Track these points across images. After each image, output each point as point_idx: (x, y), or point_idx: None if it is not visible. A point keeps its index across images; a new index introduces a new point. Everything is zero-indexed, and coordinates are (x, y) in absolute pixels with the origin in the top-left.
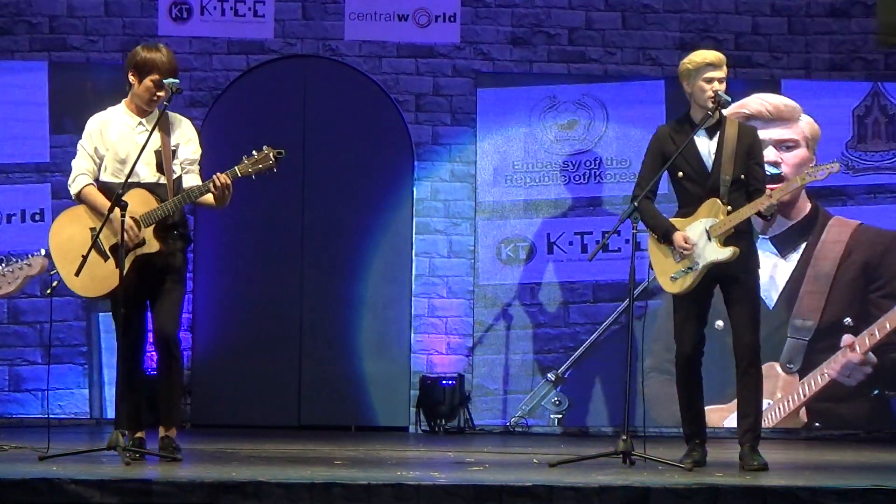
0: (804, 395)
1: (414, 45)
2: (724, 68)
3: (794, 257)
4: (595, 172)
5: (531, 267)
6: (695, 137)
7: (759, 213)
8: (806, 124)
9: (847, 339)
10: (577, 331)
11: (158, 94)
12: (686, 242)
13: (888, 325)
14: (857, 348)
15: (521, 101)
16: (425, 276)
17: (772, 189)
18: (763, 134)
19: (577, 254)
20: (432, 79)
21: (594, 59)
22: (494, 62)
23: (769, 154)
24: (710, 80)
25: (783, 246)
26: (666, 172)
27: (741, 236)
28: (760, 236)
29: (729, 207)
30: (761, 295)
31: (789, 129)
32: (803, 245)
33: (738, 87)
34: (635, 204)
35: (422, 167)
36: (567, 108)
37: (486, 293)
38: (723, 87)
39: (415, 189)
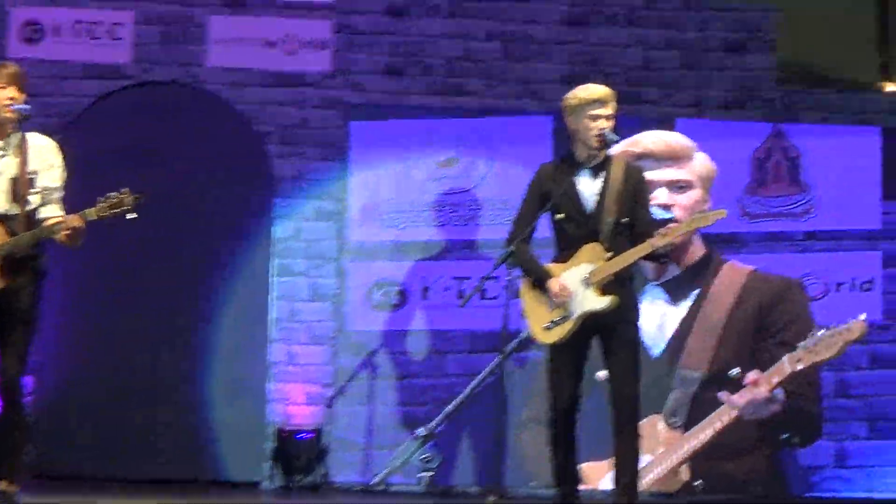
0: (688, 451)
1: (281, 73)
2: (613, 104)
3: (685, 304)
4: (474, 213)
5: (403, 313)
6: (578, 177)
7: (649, 257)
8: (700, 164)
9: (752, 375)
10: (453, 382)
11: (10, 98)
12: (562, 290)
13: (788, 368)
14: (762, 384)
15: (395, 135)
16: (285, 321)
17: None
18: (655, 174)
19: (454, 300)
20: (299, 110)
21: (473, 92)
22: (367, 93)
23: (661, 196)
24: (595, 118)
25: (674, 292)
26: (546, 214)
27: (622, 284)
28: (651, 283)
29: (610, 253)
30: (647, 344)
31: (682, 168)
32: (695, 291)
33: (630, 124)
34: (511, 247)
35: (284, 204)
36: (445, 145)
37: (352, 340)
38: (610, 124)
39: (275, 228)
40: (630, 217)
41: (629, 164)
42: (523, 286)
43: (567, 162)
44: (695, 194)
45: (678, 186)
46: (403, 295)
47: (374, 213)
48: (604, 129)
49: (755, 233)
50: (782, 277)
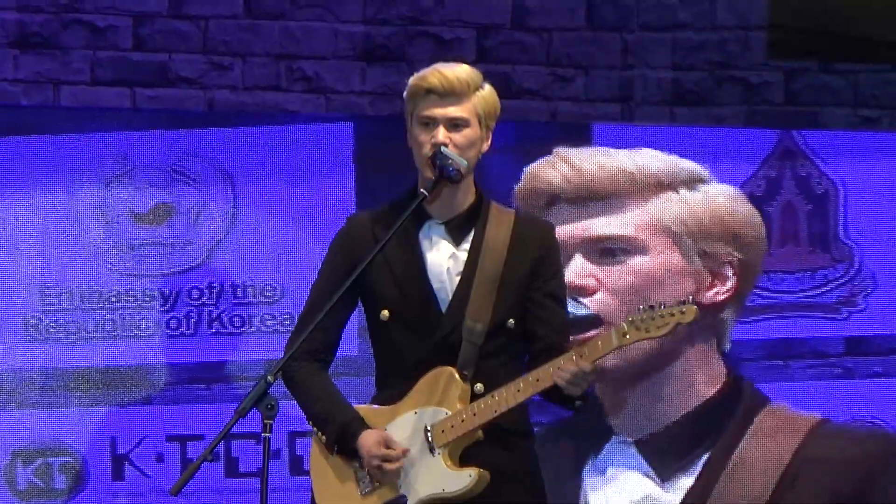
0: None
1: None
2: (468, 100)
3: (684, 483)
4: (211, 312)
5: None
6: (422, 240)
7: (548, 396)
8: (679, 201)
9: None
10: None
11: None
12: (387, 448)
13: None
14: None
15: (48, 165)
16: None
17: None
18: (571, 229)
19: (171, 477)
20: None
21: (190, 77)
22: None
23: (574, 270)
24: (427, 124)
25: (667, 463)
26: (361, 306)
27: (507, 443)
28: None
29: (479, 385)
30: None
31: (632, 209)
32: (704, 457)
33: (509, 133)
34: (269, 378)
35: None
36: (151, 180)
37: None
38: (463, 136)
39: None
40: (521, 318)
41: (526, 216)
42: (314, 449)
43: (402, 210)
44: (647, 263)
45: (611, 248)
46: (78, 473)
47: (11, 317)
48: (440, 143)
49: (752, 342)
50: (869, 434)
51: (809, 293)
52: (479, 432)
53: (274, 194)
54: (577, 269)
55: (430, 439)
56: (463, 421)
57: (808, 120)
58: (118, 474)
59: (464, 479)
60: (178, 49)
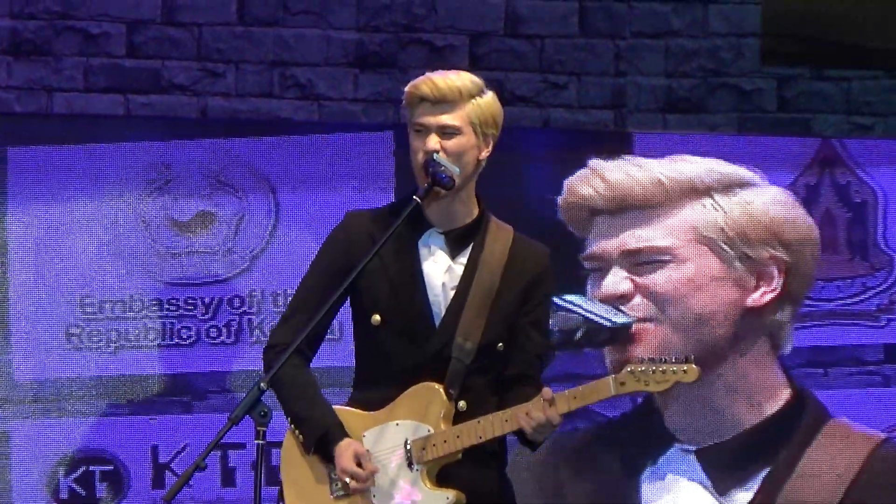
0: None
1: None
2: (460, 108)
3: (741, 498)
4: (253, 322)
5: None
6: (420, 248)
7: (519, 434)
8: (714, 207)
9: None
10: None
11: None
12: (358, 465)
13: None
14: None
15: (90, 174)
16: None
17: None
18: (607, 243)
19: (211, 485)
20: None
21: (175, 83)
22: (21, 93)
23: (613, 282)
24: (420, 131)
25: (725, 476)
26: (349, 307)
27: (486, 464)
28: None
29: (462, 403)
30: None
31: (667, 218)
32: (763, 472)
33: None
34: (262, 385)
35: None
36: (192, 188)
37: None
38: (455, 143)
39: None
40: (506, 341)
41: (524, 239)
42: (288, 443)
43: (402, 215)
44: (685, 272)
45: (649, 259)
46: (119, 482)
47: (52, 326)
48: (432, 151)
49: (791, 350)
50: None
51: (848, 301)
52: (459, 454)
53: (315, 202)
54: (615, 281)
55: (409, 454)
56: (445, 442)
57: (800, 127)
58: (159, 482)
59: (441, 500)
60: (171, 56)
